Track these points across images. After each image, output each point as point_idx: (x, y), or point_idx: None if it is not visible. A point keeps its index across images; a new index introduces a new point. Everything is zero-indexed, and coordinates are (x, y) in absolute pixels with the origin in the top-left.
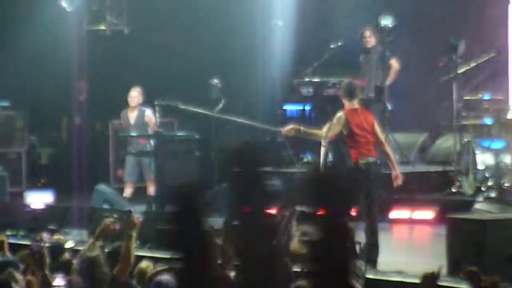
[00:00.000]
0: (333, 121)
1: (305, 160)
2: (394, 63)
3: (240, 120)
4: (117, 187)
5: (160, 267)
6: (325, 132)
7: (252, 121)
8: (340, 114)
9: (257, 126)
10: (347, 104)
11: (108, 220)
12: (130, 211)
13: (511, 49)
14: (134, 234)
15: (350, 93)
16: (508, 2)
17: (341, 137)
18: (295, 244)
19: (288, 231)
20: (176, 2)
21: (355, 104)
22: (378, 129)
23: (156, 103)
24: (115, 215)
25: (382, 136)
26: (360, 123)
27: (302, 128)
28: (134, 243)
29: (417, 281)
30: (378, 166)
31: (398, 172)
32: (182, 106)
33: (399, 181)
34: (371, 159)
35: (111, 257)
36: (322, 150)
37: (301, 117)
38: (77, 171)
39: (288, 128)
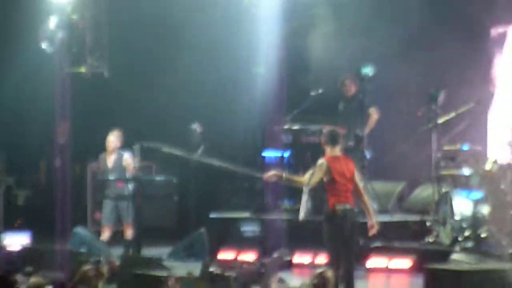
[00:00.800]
0: (315, 168)
1: (284, 206)
2: (373, 112)
3: (222, 164)
4: (94, 230)
5: None
6: (307, 178)
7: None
8: (322, 161)
9: (237, 171)
10: (329, 151)
11: (87, 266)
12: (99, 260)
13: (489, 100)
14: (100, 284)
15: (333, 141)
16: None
17: (320, 183)
18: None
19: (268, 279)
20: (157, 47)
21: (337, 151)
22: (358, 177)
23: (134, 146)
24: (92, 259)
25: (361, 185)
26: (342, 170)
27: (284, 174)
28: None
29: None
30: (356, 213)
31: (374, 221)
32: (165, 149)
33: (374, 231)
34: (348, 206)
35: None
36: (304, 197)
37: (280, 164)
38: (55, 214)
39: (271, 173)
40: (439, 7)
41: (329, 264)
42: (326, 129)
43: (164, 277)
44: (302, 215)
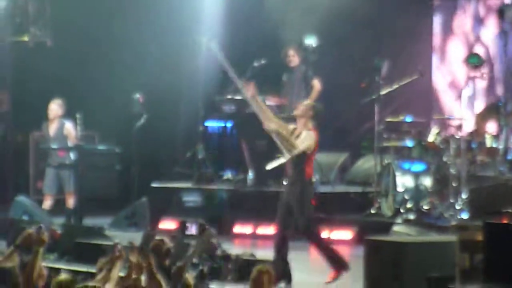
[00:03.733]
0: (306, 137)
1: (225, 177)
2: (316, 83)
3: None
4: (36, 199)
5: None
6: (299, 144)
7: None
8: (311, 132)
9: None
10: (310, 125)
11: (29, 230)
12: (40, 227)
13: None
14: (41, 250)
15: (317, 116)
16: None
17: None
18: None
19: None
20: (99, 15)
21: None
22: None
23: (77, 115)
24: (33, 226)
25: None
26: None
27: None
28: (39, 259)
29: None
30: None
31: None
32: None
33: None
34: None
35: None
36: (281, 160)
37: (223, 134)
38: None
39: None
40: None
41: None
42: (309, 104)
43: (105, 246)
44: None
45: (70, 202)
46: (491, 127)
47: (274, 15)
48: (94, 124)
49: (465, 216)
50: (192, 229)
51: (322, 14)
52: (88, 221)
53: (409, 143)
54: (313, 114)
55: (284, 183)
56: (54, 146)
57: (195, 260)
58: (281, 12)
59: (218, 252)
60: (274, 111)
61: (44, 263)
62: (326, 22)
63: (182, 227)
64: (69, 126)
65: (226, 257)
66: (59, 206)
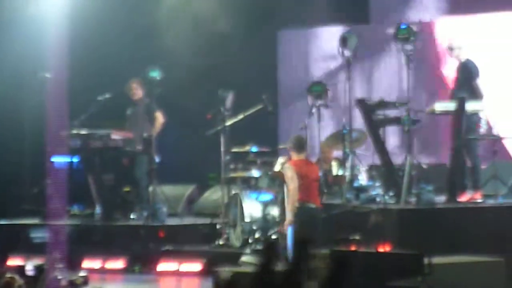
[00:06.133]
0: (287, 174)
1: (72, 212)
2: (159, 116)
3: None
4: None
5: None
6: (292, 189)
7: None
8: (288, 165)
9: None
10: (295, 156)
11: None
12: None
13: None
14: None
15: (299, 147)
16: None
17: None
18: None
19: None
20: None
21: (302, 156)
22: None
23: None
24: None
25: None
26: (305, 173)
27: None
28: None
29: None
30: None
31: None
32: None
33: None
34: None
35: None
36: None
37: (69, 170)
38: None
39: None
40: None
41: None
42: (293, 136)
43: None
44: None
45: None
46: (337, 154)
47: (118, 48)
48: None
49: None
50: (31, 271)
51: (168, 46)
52: None
53: (255, 173)
54: (291, 146)
55: None
56: None
57: None
58: (124, 45)
59: None
60: (120, 145)
61: None
62: (171, 55)
63: (20, 269)
64: None
65: None
66: None
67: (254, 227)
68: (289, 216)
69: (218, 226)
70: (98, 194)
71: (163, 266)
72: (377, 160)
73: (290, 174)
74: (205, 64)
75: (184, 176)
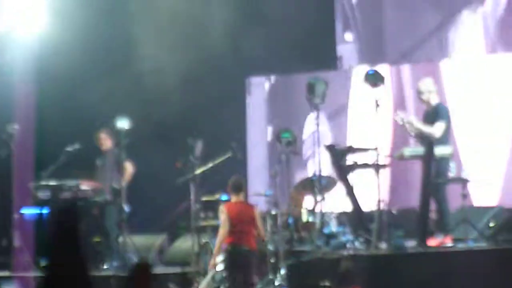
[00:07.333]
0: (220, 217)
1: (41, 264)
2: (128, 166)
3: None
4: None
5: None
6: (221, 232)
7: None
8: (221, 207)
9: None
10: (234, 198)
11: None
12: None
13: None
14: None
15: (235, 188)
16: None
17: None
18: None
19: None
20: None
21: (241, 197)
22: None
23: None
24: None
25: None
26: (239, 214)
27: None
28: None
29: None
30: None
31: None
32: None
33: None
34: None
35: None
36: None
37: (38, 221)
38: None
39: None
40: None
41: None
42: (232, 178)
43: None
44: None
45: None
46: (307, 201)
47: (87, 98)
48: None
49: None
50: None
51: (137, 95)
52: None
53: None
54: (229, 189)
55: None
56: None
57: None
58: (93, 94)
59: None
60: (89, 195)
61: None
62: (140, 104)
63: None
64: None
65: None
66: None
67: (224, 275)
68: (213, 260)
69: (188, 275)
70: None
71: None
72: (347, 206)
73: (223, 218)
74: (173, 112)
75: (154, 226)
